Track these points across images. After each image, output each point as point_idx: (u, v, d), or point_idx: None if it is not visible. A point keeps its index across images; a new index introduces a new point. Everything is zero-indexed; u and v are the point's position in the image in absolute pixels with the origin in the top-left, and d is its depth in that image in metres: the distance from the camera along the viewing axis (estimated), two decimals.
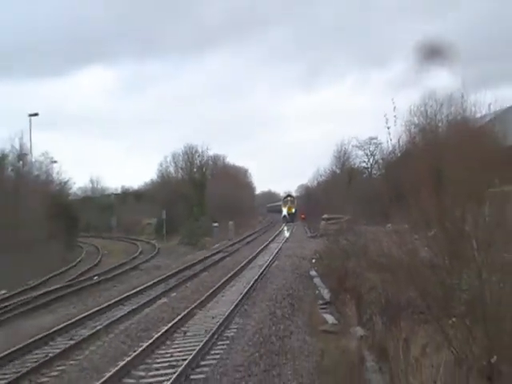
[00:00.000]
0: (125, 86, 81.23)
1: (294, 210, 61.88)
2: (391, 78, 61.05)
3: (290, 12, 73.26)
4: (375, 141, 36.63)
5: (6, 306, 14.99)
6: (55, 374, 8.22)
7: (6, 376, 8.13)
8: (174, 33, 71.55)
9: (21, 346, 9.61)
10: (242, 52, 77.42)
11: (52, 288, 18.19)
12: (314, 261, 20.33)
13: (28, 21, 62.30)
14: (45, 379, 7.98)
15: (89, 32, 65.52)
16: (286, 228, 47.95)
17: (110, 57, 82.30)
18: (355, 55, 73.35)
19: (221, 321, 10.73)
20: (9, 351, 9.24)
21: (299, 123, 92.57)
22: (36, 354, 9.46)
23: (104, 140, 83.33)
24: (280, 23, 74.34)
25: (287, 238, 36.09)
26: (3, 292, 17.84)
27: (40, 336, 10.37)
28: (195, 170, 49.71)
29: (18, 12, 60.27)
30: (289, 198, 64.06)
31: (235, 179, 57.02)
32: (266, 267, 20.01)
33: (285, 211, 61.77)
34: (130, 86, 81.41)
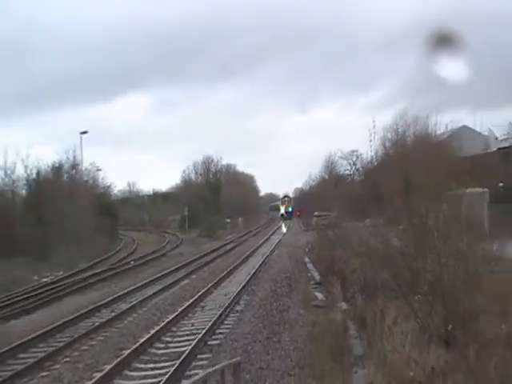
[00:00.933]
0: (155, 108, 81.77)
1: (290, 209, 58.40)
2: (370, 102, 60.96)
3: (289, 49, 73.50)
4: (356, 153, 36.51)
5: (63, 284, 15.19)
6: (101, 338, 8.27)
7: (64, 339, 8.20)
8: (195, 66, 72.10)
9: (73, 316, 9.68)
10: (250, 81, 77.71)
11: (98, 270, 18.30)
12: (307, 250, 20.24)
13: (82, 60, 63.28)
14: (93, 342, 8.03)
15: (127, 67, 66.54)
16: (283, 225, 44.43)
17: (144, 86, 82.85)
18: (342, 84, 73.50)
19: (232, 297, 10.68)
20: (64, 320, 9.31)
21: (296, 137, 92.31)
22: (86, 322, 9.53)
23: (139, 152, 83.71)
24: (281, 58, 74.54)
25: (284, 234, 34.46)
26: (61, 273, 18.03)
27: (89, 308, 10.43)
28: (211, 176, 49.63)
29: (76, 53, 61.74)
30: (286, 198, 60.33)
31: (243, 184, 56.79)
32: (268, 255, 19.91)
33: (282, 210, 58.61)
34: (160, 109, 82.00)
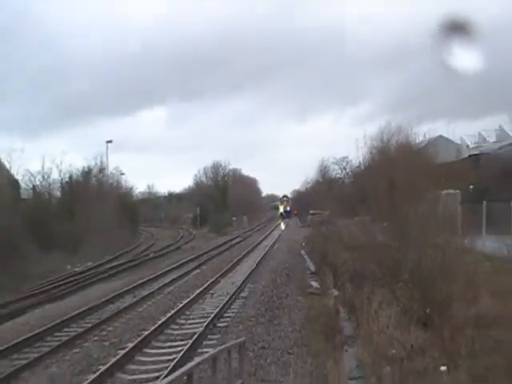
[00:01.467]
0: (172, 119, 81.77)
1: (289, 208, 54.25)
2: (360, 114, 60.67)
3: (290, 67, 73.64)
4: (347, 159, 36.34)
5: (92, 273, 15.29)
6: (124, 320, 8.30)
7: (92, 321, 8.24)
8: (206, 83, 72.54)
9: (100, 301, 9.74)
10: (256, 95, 77.64)
11: (121, 261, 18.39)
12: (303, 244, 20.16)
13: (110, 79, 64.09)
14: (117, 324, 8.08)
15: (150, 85, 67.33)
16: (282, 223, 41.17)
17: (163, 99, 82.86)
18: (335, 97, 73.40)
19: (238, 285, 10.66)
20: (93, 304, 9.39)
21: (295, 145, 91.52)
22: (110, 307, 9.56)
23: (157, 158, 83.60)
24: (283, 75, 74.56)
25: (283, 230, 32.95)
26: (90, 263, 18.14)
27: (113, 295, 10.45)
28: (220, 179, 49.62)
29: (106, 73, 62.85)
30: (285, 198, 56.62)
31: (248, 186, 56.53)
32: (269, 248, 19.85)
33: (281, 209, 54.74)
34: (176, 119, 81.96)
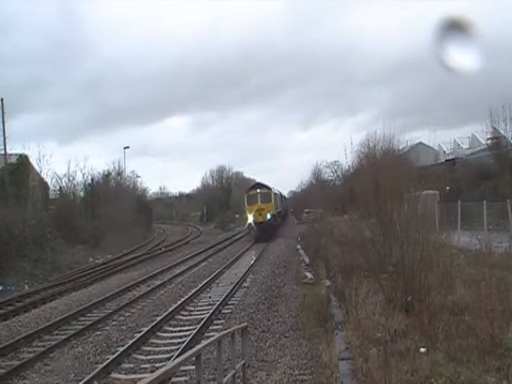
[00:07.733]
0: (192, 127, 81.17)
1: (269, 216, 20.06)
2: (357, 122, 60.44)
3: (297, 82, 73.86)
4: (337, 163, 36.34)
5: (111, 265, 15.29)
6: (140, 307, 8.32)
7: (112, 307, 8.27)
8: (222, 96, 72.75)
9: (119, 289, 9.76)
10: (265, 105, 77.22)
11: (137, 254, 18.38)
12: (299, 239, 20.10)
13: (139, 91, 64.24)
14: (134, 310, 8.10)
15: (175, 96, 67.85)
16: (254, 253, 15.79)
17: (183, 110, 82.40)
18: (336, 108, 73.23)
19: (240, 276, 10.66)
20: (112, 292, 9.41)
21: (297, 150, 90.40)
22: (128, 294, 9.58)
23: (169, 161, 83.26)
24: (291, 88, 74.57)
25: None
26: (109, 256, 18.17)
27: (130, 284, 10.48)
28: (224, 181, 49.71)
29: (135, 85, 63.13)
30: (258, 191, 20.58)
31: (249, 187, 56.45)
32: (268, 243, 19.85)
33: (250, 218, 19.73)
34: (195, 127, 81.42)
